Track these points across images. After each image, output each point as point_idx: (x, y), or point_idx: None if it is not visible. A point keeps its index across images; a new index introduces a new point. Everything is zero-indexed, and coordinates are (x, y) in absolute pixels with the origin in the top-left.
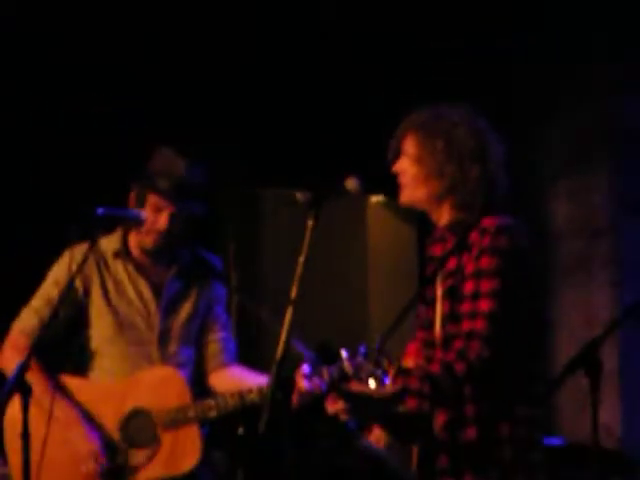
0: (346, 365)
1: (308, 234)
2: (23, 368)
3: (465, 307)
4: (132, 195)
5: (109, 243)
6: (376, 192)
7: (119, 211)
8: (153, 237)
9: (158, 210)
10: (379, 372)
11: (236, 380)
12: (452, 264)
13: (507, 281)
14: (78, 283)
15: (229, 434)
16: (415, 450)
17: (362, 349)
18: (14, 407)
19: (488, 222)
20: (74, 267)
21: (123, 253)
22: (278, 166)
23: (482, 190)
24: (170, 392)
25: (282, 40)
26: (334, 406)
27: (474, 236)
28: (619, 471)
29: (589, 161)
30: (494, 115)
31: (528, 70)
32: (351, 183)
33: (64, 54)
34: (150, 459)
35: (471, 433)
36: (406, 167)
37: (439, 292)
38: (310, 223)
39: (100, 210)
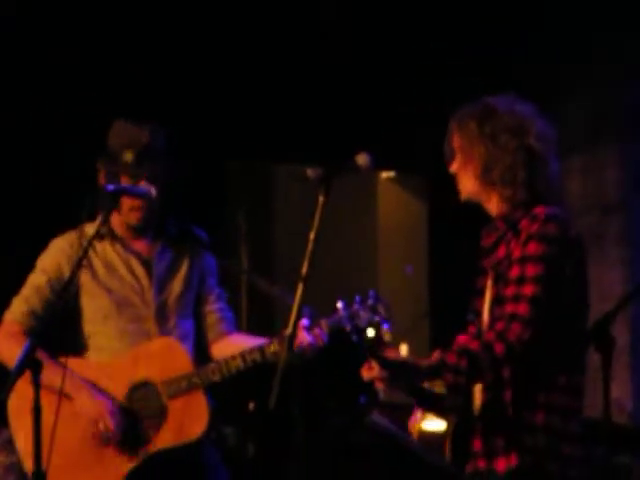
0: (342, 314)
1: (319, 210)
2: (32, 345)
3: (510, 291)
4: (101, 175)
5: (93, 227)
6: (387, 168)
7: (129, 188)
8: (137, 214)
9: (135, 182)
10: (376, 319)
11: (238, 346)
12: (502, 252)
13: (552, 267)
14: (65, 269)
15: (240, 410)
16: (449, 431)
17: (358, 298)
18: (16, 395)
19: (539, 210)
20: (60, 254)
21: (108, 234)
22: (289, 142)
23: (523, 165)
24: (172, 361)
25: (294, 16)
26: (371, 373)
27: (524, 223)
28: (630, 446)
29: (601, 138)
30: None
31: (541, 47)
32: (362, 159)
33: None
34: (159, 429)
35: (508, 417)
36: (454, 164)
37: (489, 281)
38: (321, 199)
39: (110, 187)
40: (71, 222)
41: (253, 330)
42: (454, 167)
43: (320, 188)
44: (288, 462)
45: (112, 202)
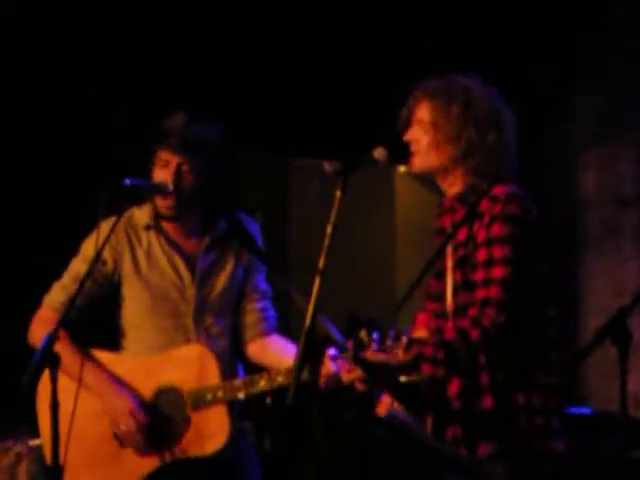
0: (373, 349)
1: (336, 204)
2: (51, 340)
3: (479, 275)
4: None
5: (141, 215)
6: (404, 162)
7: (146, 182)
8: (165, 201)
9: (165, 166)
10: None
11: (274, 352)
12: (462, 234)
13: (519, 247)
14: (108, 256)
15: (257, 405)
16: (429, 419)
17: (392, 332)
18: (46, 378)
19: (498, 190)
20: (101, 241)
21: (154, 226)
22: (306, 136)
23: (496, 157)
24: (200, 370)
25: (312, 9)
26: (350, 375)
27: (484, 204)
28: None
29: (617, 132)
30: (524, 84)
31: (557, 38)
32: (379, 153)
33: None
34: (179, 438)
35: (487, 401)
36: (419, 135)
37: (449, 263)
38: (338, 193)
39: (127, 181)
40: (88, 217)
41: None
42: (412, 137)
43: (337, 182)
44: (305, 457)
45: (133, 197)
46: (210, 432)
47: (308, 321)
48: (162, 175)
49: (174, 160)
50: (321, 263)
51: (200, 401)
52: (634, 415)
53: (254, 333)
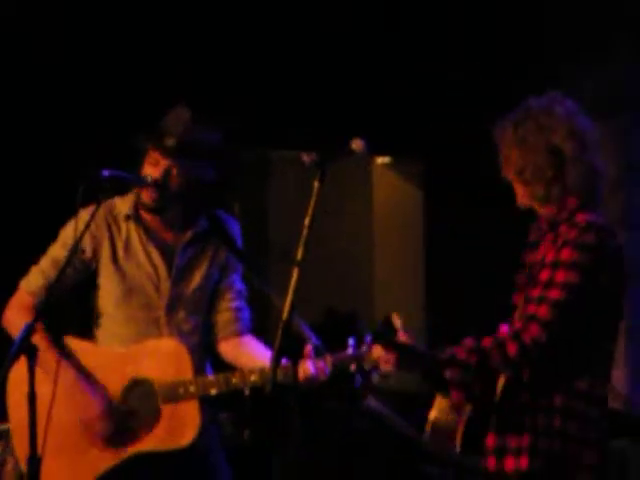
0: (349, 354)
1: (314, 195)
2: (29, 330)
3: (536, 292)
4: (145, 153)
5: (122, 205)
6: (382, 153)
7: (124, 174)
8: (150, 193)
9: (155, 164)
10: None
11: (246, 352)
12: (540, 254)
13: (584, 276)
14: (87, 244)
15: (235, 395)
16: (462, 423)
17: (368, 338)
18: (19, 367)
19: (580, 217)
20: (81, 228)
21: (134, 217)
22: (284, 127)
23: (551, 164)
24: (173, 364)
25: (289, 3)
26: (379, 353)
27: (563, 228)
28: (626, 431)
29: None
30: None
31: (561, 23)
32: (357, 144)
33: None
34: (149, 431)
35: (525, 398)
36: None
37: (524, 279)
38: (316, 184)
39: (105, 172)
40: (67, 207)
41: None
42: (505, 176)
43: (315, 173)
44: (284, 447)
45: (111, 187)
46: (181, 426)
47: (285, 314)
48: (150, 171)
49: (164, 162)
50: (299, 255)
51: (172, 395)
52: (613, 407)
53: (227, 332)
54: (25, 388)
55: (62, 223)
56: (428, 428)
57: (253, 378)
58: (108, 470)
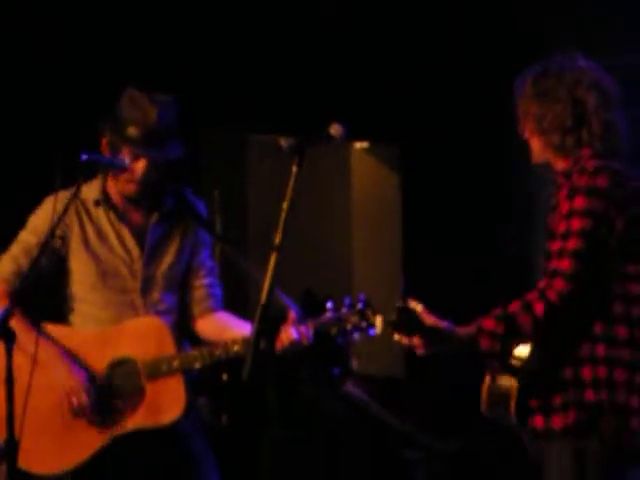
0: (330, 316)
1: (292, 180)
2: (7, 314)
3: (555, 245)
4: (104, 142)
5: (89, 191)
6: (360, 138)
7: (103, 158)
8: (133, 186)
9: (134, 158)
10: (364, 324)
11: (222, 327)
12: (557, 210)
13: (598, 222)
14: (58, 231)
15: (213, 381)
16: (514, 390)
17: (347, 301)
18: None
19: (589, 163)
20: (53, 214)
21: (104, 201)
22: (262, 112)
23: (571, 113)
24: (155, 342)
25: None
26: (410, 341)
27: (575, 177)
28: None
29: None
30: (481, 61)
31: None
32: (335, 129)
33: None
34: (134, 409)
35: (567, 373)
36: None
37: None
38: (294, 169)
39: (84, 156)
40: (45, 188)
41: (227, 301)
42: (522, 133)
43: (293, 158)
44: (261, 432)
45: (88, 171)
46: (166, 403)
47: (264, 297)
48: (131, 166)
49: (144, 159)
50: (277, 239)
51: (155, 371)
52: None
53: (201, 309)
54: (3, 373)
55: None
56: (484, 396)
57: (236, 348)
58: (96, 452)
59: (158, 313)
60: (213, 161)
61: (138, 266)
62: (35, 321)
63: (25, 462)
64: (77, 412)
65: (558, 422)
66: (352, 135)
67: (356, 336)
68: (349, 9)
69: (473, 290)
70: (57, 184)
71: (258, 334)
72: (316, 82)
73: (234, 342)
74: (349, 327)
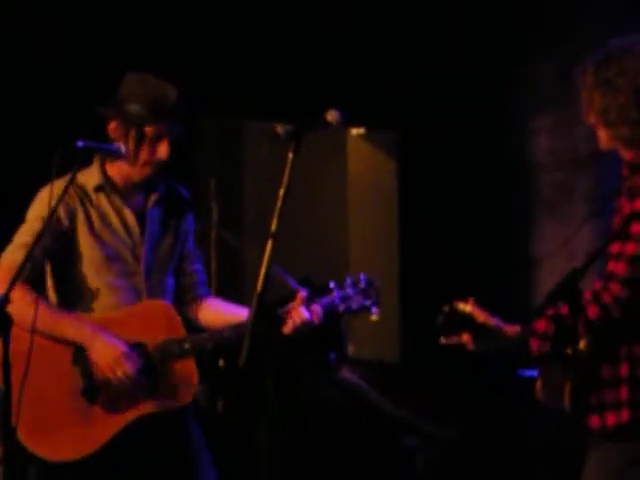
0: (335, 296)
1: (288, 167)
2: (3, 301)
3: (614, 247)
4: (113, 126)
5: (88, 176)
6: (357, 124)
7: (99, 144)
8: (149, 169)
9: (157, 139)
10: (368, 302)
11: (216, 312)
12: (620, 203)
13: None
14: (62, 215)
15: (210, 367)
16: (568, 385)
17: (349, 280)
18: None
19: None
20: (54, 201)
21: (106, 186)
22: (259, 98)
23: (636, 104)
24: (164, 325)
25: None
26: (460, 339)
27: (636, 175)
28: None
29: (572, 96)
30: (479, 51)
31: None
32: (331, 115)
33: None
34: (148, 392)
35: (622, 371)
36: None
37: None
38: (290, 156)
39: (80, 143)
40: (42, 177)
41: (223, 288)
42: (587, 121)
43: (289, 145)
44: (258, 419)
45: (84, 159)
46: (180, 383)
47: (260, 284)
48: (150, 149)
49: (167, 136)
50: (273, 226)
51: (167, 354)
52: None
53: (192, 295)
54: (15, 365)
55: (34, 194)
56: (539, 387)
57: (230, 334)
58: (112, 437)
59: (159, 296)
60: (209, 148)
61: (141, 250)
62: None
63: (42, 449)
64: (119, 384)
65: (611, 420)
66: (348, 121)
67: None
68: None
69: (470, 276)
70: (54, 172)
71: (254, 321)
72: (312, 68)
73: (241, 324)
74: (354, 306)
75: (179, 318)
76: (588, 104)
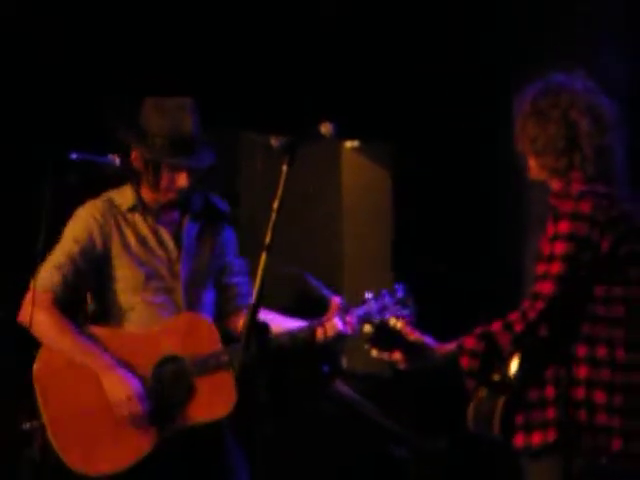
0: (372, 306)
1: (282, 179)
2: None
3: (540, 268)
4: (135, 157)
5: (123, 197)
6: (351, 137)
7: (93, 157)
8: (173, 195)
9: (175, 169)
10: (405, 312)
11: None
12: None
13: (582, 246)
14: (97, 239)
15: None
16: (500, 407)
17: (385, 291)
18: (45, 364)
19: (574, 187)
20: (92, 223)
21: (139, 206)
22: (253, 110)
23: (563, 136)
24: (202, 338)
25: None
26: (390, 356)
27: (561, 201)
28: None
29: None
30: (476, 64)
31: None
32: (325, 128)
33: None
34: (185, 406)
35: (549, 392)
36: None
37: None
38: (285, 168)
39: (74, 155)
40: (35, 190)
41: None
42: (518, 150)
43: (284, 157)
44: (251, 430)
45: (80, 170)
46: (217, 397)
47: (255, 295)
48: (170, 177)
49: (185, 168)
50: (268, 238)
51: (204, 367)
52: None
53: (233, 307)
54: (54, 382)
55: (28, 206)
56: (470, 414)
57: (282, 340)
58: (149, 451)
59: (198, 310)
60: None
61: (178, 267)
62: (77, 324)
63: (80, 465)
64: (128, 421)
65: (537, 439)
66: (343, 134)
67: (397, 324)
68: (344, 10)
69: (463, 290)
70: (48, 184)
71: (249, 332)
72: (307, 80)
73: (280, 334)
74: (389, 315)
75: (216, 331)
76: (521, 132)
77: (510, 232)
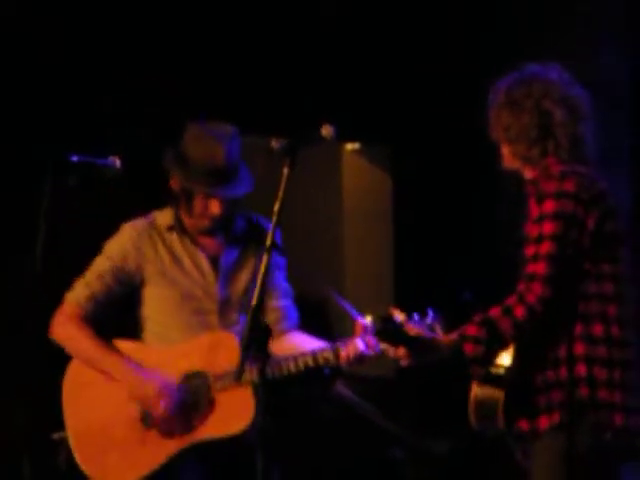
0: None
1: (283, 182)
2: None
3: (530, 250)
4: (176, 183)
5: (164, 217)
6: (351, 139)
7: (93, 159)
8: (207, 221)
9: (208, 197)
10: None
11: (294, 346)
12: (533, 213)
13: (569, 223)
14: (131, 260)
15: None
16: (501, 400)
17: (416, 315)
18: (71, 376)
19: (555, 168)
20: (128, 242)
21: (177, 227)
22: (253, 113)
23: (537, 125)
24: (225, 355)
25: None
26: (395, 352)
27: (542, 183)
28: None
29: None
30: (476, 64)
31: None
32: (326, 130)
33: None
34: (204, 420)
35: (550, 375)
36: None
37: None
38: (285, 171)
39: (74, 157)
40: (35, 193)
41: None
42: (492, 139)
43: (284, 160)
44: (251, 433)
45: (80, 173)
46: (235, 413)
47: (256, 298)
48: (205, 203)
49: (218, 197)
50: (268, 241)
51: (226, 383)
52: None
53: (276, 331)
54: (80, 394)
55: (27, 209)
56: (472, 413)
57: (306, 360)
58: (165, 462)
59: (235, 333)
60: None
61: (214, 289)
62: (105, 340)
63: (99, 474)
64: (159, 421)
65: (544, 423)
66: (343, 136)
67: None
68: (343, 12)
69: (465, 291)
70: (47, 187)
71: (249, 336)
72: (307, 83)
73: (304, 355)
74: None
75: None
76: (495, 121)
77: (510, 234)
